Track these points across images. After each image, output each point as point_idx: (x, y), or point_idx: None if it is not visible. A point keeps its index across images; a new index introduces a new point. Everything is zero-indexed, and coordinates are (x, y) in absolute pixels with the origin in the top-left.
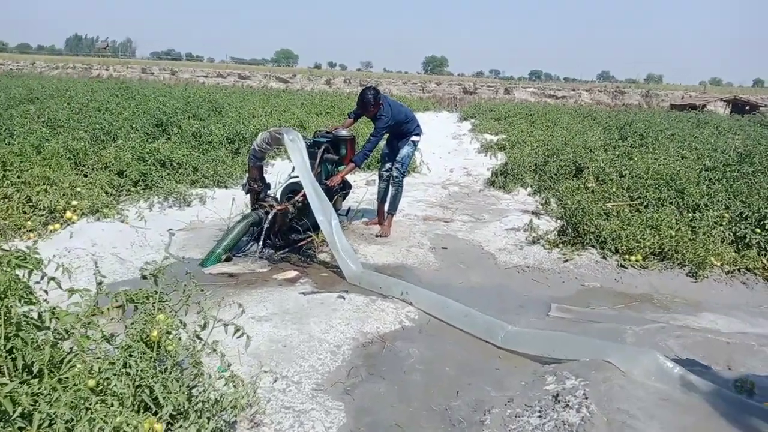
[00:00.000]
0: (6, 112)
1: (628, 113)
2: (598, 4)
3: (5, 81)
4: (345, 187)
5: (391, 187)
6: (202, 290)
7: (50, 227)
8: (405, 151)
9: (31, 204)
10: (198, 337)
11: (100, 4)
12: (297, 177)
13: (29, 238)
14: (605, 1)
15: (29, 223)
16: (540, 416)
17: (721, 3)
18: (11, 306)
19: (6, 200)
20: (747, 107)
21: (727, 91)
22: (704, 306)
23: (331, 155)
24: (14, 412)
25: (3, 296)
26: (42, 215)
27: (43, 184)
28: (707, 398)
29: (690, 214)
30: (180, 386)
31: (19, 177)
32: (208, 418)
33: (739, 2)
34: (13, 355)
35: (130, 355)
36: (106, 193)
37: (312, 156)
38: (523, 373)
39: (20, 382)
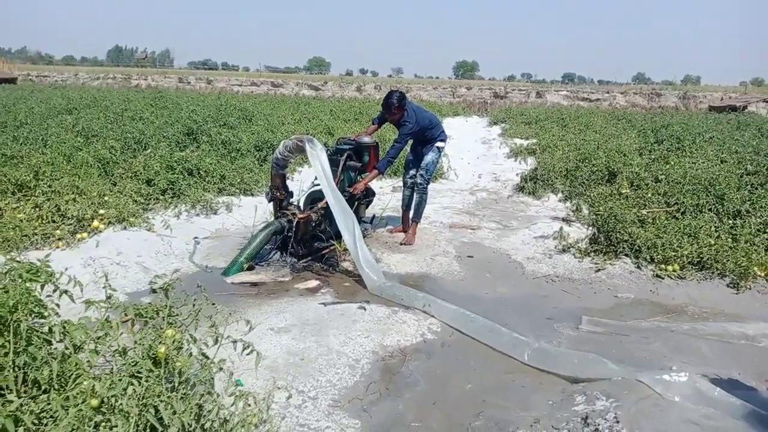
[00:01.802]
0: (44, 122)
1: (664, 116)
2: (633, 5)
3: (48, 92)
4: (368, 194)
5: (415, 194)
6: (213, 304)
7: (78, 236)
8: (430, 157)
9: (60, 213)
10: (204, 355)
11: (140, 16)
12: (320, 185)
13: (57, 247)
14: (641, 2)
15: (58, 231)
16: None
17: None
18: (21, 320)
19: (37, 209)
20: None
21: None
22: (747, 319)
23: (353, 162)
24: None
25: (13, 310)
26: (70, 224)
27: (72, 193)
28: (751, 423)
29: (731, 221)
30: (187, 405)
31: (49, 186)
32: None
33: None
34: (24, 370)
35: (139, 373)
36: (135, 201)
37: (335, 164)
38: (551, 392)
39: (30, 397)
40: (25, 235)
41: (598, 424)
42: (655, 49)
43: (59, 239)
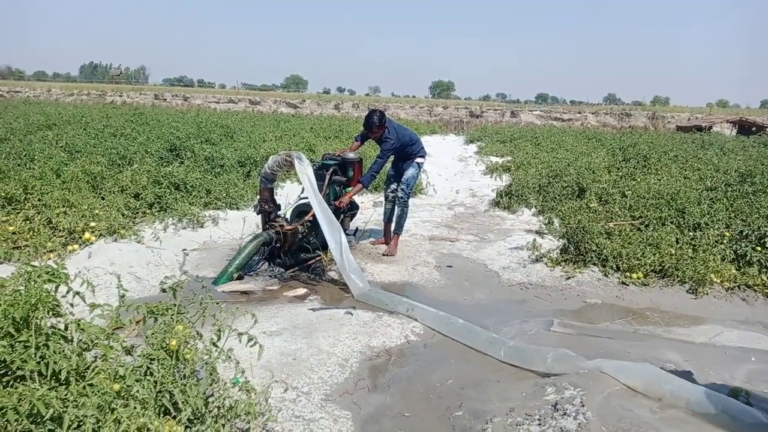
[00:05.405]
0: (25, 138)
1: (632, 135)
2: (605, 28)
3: (23, 108)
4: (353, 207)
5: (396, 207)
6: (218, 303)
7: (69, 248)
8: (410, 172)
9: (51, 225)
10: (214, 344)
11: (114, 33)
12: (306, 198)
13: (49, 258)
14: (612, 25)
15: (49, 243)
16: (539, 424)
17: (729, 25)
18: (41, 318)
19: (28, 222)
20: (753, 128)
21: (733, 112)
22: (703, 321)
23: (339, 177)
24: (46, 414)
25: (34, 308)
26: (62, 236)
27: (63, 206)
28: (702, 408)
29: (691, 233)
30: (197, 392)
31: (39, 200)
32: (224, 424)
33: (748, 25)
34: (46, 360)
35: (152, 362)
36: (123, 215)
37: (320, 178)
38: (525, 385)
39: (48, 389)
40: (17, 247)
41: (566, 409)
42: (626, 70)
43: (51, 251)
